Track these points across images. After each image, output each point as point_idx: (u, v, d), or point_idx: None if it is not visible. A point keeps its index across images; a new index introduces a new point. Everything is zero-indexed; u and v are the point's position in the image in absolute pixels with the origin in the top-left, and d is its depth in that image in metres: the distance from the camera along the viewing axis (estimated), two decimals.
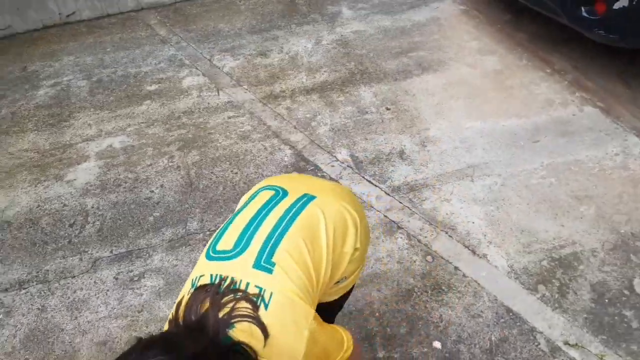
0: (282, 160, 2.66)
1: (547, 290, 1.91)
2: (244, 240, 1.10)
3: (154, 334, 0.92)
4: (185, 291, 1.05)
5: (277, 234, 1.10)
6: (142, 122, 3.08)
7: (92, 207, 2.53)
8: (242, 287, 1.02)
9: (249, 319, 0.97)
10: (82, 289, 2.14)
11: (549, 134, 2.61)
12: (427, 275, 2.02)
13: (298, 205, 1.17)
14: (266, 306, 1.00)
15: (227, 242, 1.11)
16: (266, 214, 1.15)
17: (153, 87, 3.41)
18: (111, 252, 2.29)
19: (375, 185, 2.44)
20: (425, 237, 2.17)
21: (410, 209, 2.30)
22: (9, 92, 3.56)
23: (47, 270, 2.23)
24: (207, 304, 0.98)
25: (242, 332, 0.96)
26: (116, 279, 2.17)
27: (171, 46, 3.88)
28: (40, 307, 2.08)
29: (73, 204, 2.57)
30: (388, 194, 2.39)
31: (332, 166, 2.58)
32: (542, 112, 2.76)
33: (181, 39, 3.96)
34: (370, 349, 1.79)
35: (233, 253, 1.08)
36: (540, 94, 2.88)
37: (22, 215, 2.53)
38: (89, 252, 2.30)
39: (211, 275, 1.05)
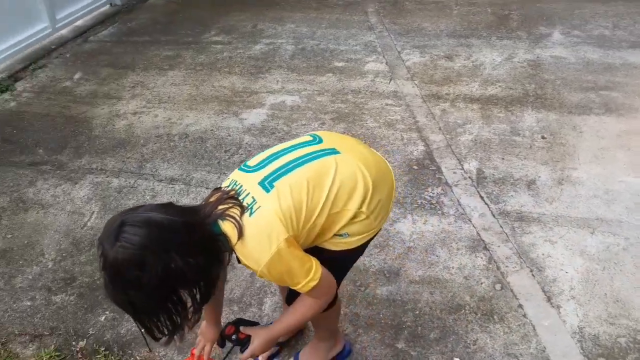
0: (410, 153, 2.75)
1: None
2: (264, 163, 1.32)
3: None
4: None
5: (289, 167, 1.29)
6: (316, 90, 3.46)
7: (246, 143, 3.00)
8: (244, 195, 1.25)
9: (233, 220, 1.19)
10: None
11: None
12: (486, 300, 1.94)
13: (320, 153, 1.33)
14: (251, 214, 1.21)
15: (255, 160, 1.35)
16: (292, 150, 1.35)
17: (340, 64, 3.76)
18: None
19: (485, 203, 2.38)
20: (507, 267, 2.06)
21: (507, 236, 2.20)
22: (235, 41, 4.31)
23: (193, 177, 2.76)
24: (215, 198, 1.24)
25: (229, 227, 1.20)
26: None
27: (373, 33, 4.19)
28: (175, 201, 2.60)
29: (235, 136, 3.08)
30: (493, 215, 2.31)
31: (454, 172, 2.58)
32: None
33: (385, 29, 4.23)
34: (393, 338, 1.84)
35: (253, 169, 1.32)
36: None
37: (198, 133, 3.14)
38: (225, 174, 2.76)
39: (231, 180, 1.32)
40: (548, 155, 2.62)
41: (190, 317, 1.23)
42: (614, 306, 1.87)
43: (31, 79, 4.04)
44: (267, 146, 2.89)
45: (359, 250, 1.45)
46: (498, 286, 1.99)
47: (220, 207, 1.22)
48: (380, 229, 1.44)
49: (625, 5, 4.25)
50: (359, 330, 1.88)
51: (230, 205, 1.22)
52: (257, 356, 1.53)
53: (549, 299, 1.92)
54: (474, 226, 2.27)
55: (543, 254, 2.10)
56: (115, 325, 1.99)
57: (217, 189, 1.31)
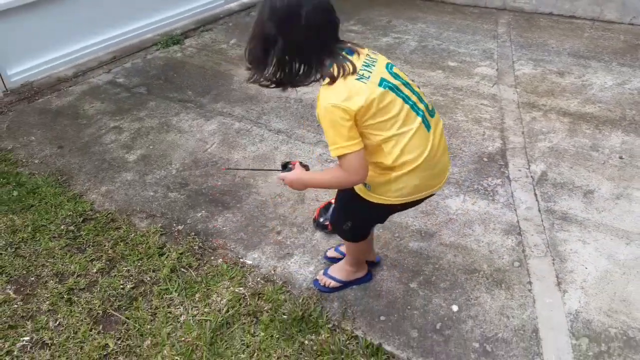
0: (485, 148, 2.99)
1: (587, 346, 1.86)
2: (399, 80, 1.54)
3: None
4: None
5: (402, 96, 1.51)
6: (422, 82, 3.80)
7: None
8: (369, 69, 1.48)
9: (340, 69, 1.44)
10: (300, 150, 3.13)
11: None
12: (501, 272, 2.19)
13: (422, 115, 1.55)
14: (348, 78, 1.44)
15: (399, 74, 1.57)
16: (417, 96, 1.57)
17: (452, 64, 4.06)
18: None
19: (537, 200, 2.57)
20: (532, 251, 2.28)
21: (544, 229, 2.39)
22: (368, 32, 4.80)
23: (294, 132, 3.31)
24: (359, 50, 1.53)
25: (335, 69, 1.44)
26: (320, 155, 3.07)
27: (496, 42, 4.39)
28: (275, 147, 3.17)
29: None
30: (539, 210, 2.50)
31: (519, 170, 2.79)
32: None
33: (509, 40, 4.41)
34: (409, 279, 2.18)
35: (392, 75, 1.54)
36: None
37: (310, 100, 3.68)
38: (320, 135, 3.26)
39: (380, 61, 1.56)
40: (618, 174, 2.70)
41: (275, 77, 1.49)
42: (618, 304, 2.01)
43: (197, 38, 4.94)
44: None
45: (372, 210, 1.69)
46: (517, 264, 2.22)
47: (352, 58, 1.47)
48: (396, 207, 1.67)
49: None
50: (384, 267, 2.25)
51: (352, 64, 1.45)
52: (286, 184, 1.71)
53: (559, 284, 2.11)
54: (517, 215, 2.49)
55: (571, 250, 2.27)
56: (206, 221, 2.59)
57: (367, 50, 1.56)
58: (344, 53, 1.49)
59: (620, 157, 2.82)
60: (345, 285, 2.14)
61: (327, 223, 2.39)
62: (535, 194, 2.61)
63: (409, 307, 2.06)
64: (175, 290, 2.18)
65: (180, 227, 2.57)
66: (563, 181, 2.69)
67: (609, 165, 2.78)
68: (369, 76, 1.46)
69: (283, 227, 2.51)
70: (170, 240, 2.47)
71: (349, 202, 1.79)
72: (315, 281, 2.17)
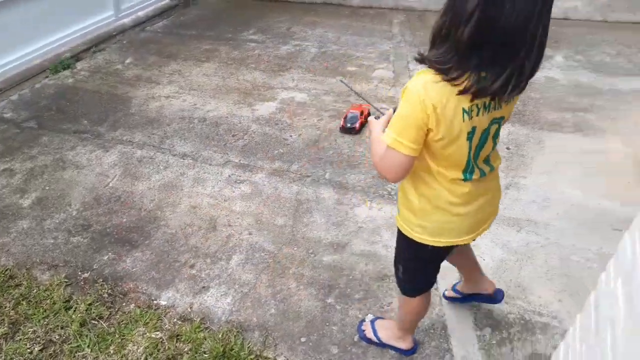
0: None
1: (491, 335, 2.01)
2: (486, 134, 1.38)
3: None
4: None
5: (483, 141, 1.37)
6: (324, 90, 3.88)
7: (252, 131, 3.48)
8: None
9: (440, 72, 1.23)
10: (208, 173, 3.10)
11: None
12: None
13: (486, 172, 1.47)
14: (464, 113, 1.26)
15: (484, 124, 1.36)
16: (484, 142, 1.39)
17: (352, 69, 4.17)
18: (239, 161, 3.18)
19: None
20: None
21: None
22: (268, 40, 4.81)
23: (201, 155, 3.27)
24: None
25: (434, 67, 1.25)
26: (229, 177, 3.05)
27: (391, 43, 4.55)
28: (181, 173, 3.12)
29: (244, 124, 3.56)
30: None
31: None
32: None
33: (403, 40, 4.59)
34: (326, 295, 2.23)
35: (487, 111, 1.31)
36: None
37: (214, 118, 3.64)
38: (227, 155, 3.24)
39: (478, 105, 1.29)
40: (505, 164, 2.91)
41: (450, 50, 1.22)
42: (514, 289, 2.19)
43: (90, 60, 4.71)
44: (267, 134, 3.38)
45: (412, 251, 1.60)
46: None
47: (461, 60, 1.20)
48: (426, 251, 1.53)
49: (635, 33, 4.40)
50: (301, 286, 2.29)
51: (458, 70, 1.20)
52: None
53: (460, 278, 2.26)
54: None
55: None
56: (113, 264, 2.50)
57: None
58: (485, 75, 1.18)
59: (507, 148, 3.04)
60: (381, 345, 1.99)
61: (354, 126, 3.24)
62: None
63: (327, 323, 2.12)
64: (88, 346, 2.10)
65: (86, 275, 2.46)
66: None
67: None
68: (472, 117, 1.28)
69: (196, 259, 2.48)
70: (77, 291, 2.37)
71: (398, 240, 1.67)
72: (361, 322, 2.08)
